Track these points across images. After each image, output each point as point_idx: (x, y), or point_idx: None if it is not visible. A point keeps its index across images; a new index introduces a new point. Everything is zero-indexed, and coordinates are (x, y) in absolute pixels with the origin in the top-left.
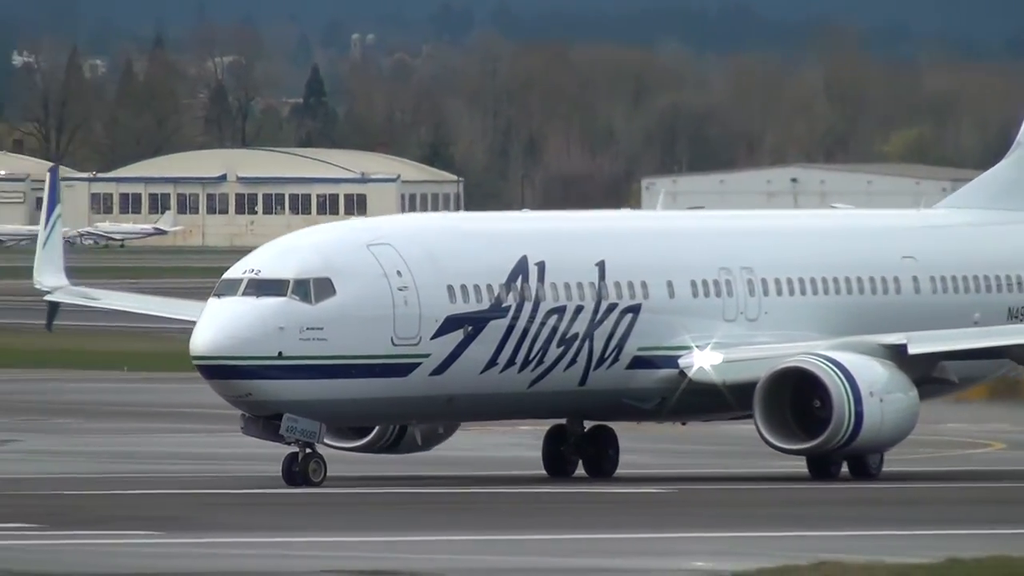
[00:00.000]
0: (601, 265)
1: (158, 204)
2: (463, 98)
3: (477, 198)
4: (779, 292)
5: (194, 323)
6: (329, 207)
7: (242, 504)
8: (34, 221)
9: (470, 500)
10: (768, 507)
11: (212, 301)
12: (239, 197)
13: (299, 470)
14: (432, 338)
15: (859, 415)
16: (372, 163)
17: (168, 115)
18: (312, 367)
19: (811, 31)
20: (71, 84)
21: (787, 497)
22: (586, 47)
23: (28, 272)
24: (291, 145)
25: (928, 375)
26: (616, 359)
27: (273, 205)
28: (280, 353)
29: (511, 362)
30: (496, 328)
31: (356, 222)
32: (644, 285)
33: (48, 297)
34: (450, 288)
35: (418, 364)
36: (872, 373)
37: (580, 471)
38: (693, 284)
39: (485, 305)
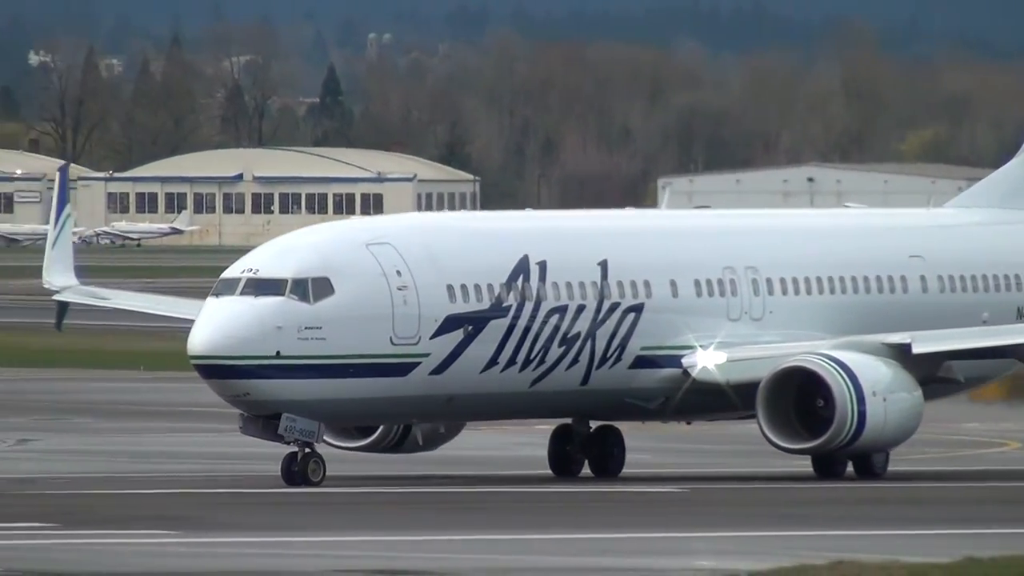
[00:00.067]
0: (604, 264)
1: (174, 204)
2: (479, 97)
3: (494, 197)
4: (784, 291)
5: None
6: (345, 207)
7: (253, 503)
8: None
9: (478, 500)
10: (780, 506)
11: (210, 300)
12: (255, 197)
13: (298, 470)
14: (432, 337)
15: (862, 415)
16: (388, 162)
17: (185, 114)
18: (310, 366)
19: (827, 30)
20: (88, 83)
21: (799, 496)
22: (603, 46)
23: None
24: (307, 145)
25: (933, 374)
26: (619, 359)
27: (290, 205)
28: (278, 353)
29: (512, 362)
30: (497, 328)
31: (356, 221)
32: (647, 284)
33: (57, 297)
34: (450, 287)
35: (417, 364)
36: (875, 372)
37: (586, 471)
38: (697, 283)
39: (485, 304)
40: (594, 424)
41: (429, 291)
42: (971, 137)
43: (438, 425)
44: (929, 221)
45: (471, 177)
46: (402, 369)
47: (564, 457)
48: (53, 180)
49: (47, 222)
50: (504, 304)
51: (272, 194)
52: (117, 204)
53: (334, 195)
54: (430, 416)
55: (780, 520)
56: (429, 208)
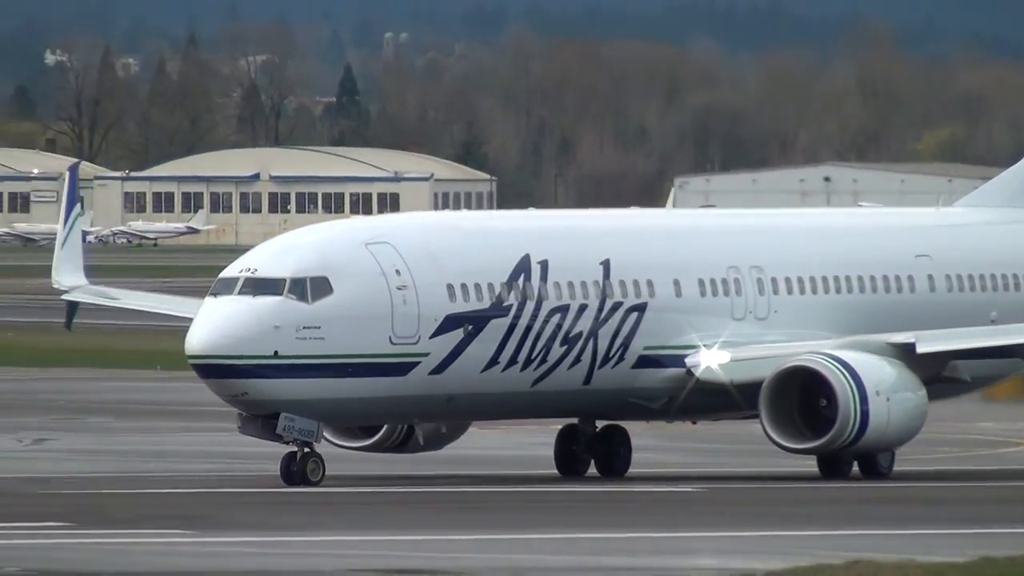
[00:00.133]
0: (606, 264)
1: (191, 203)
2: (496, 97)
3: (510, 197)
4: (789, 291)
5: None
6: (362, 206)
7: (269, 503)
8: None
9: (489, 499)
10: (795, 506)
11: (208, 300)
12: (272, 196)
13: (297, 470)
14: (431, 337)
15: (865, 414)
16: (405, 162)
17: (201, 114)
18: (309, 366)
19: (844, 29)
20: (104, 83)
21: (814, 496)
22: (619, 45)
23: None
24: (324, 144)
25: (938, 374)
26: (621, 358)
27: (306, 204)
28: (276, 352)
29: (513, 361)
30: (497, 327)
31: (356, 221)
32: (650, 284)
33: (66, 296)
34: (450, 287)
35: (417, 363)
36: (879, 372)
37: (592, 470)
38: (701, 283)
39: (486, 304)
40: (600, 424)
41: (429, 290)
42: (988, 136)
43: (439, 425)
44: (937, 220)
45: (488, 177)
46: (401, 369)
47: (570, 457)
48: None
49: None
50: (505, 303)
51: (289, 194)
52: (134, 204)
53: (351, 195)
54: (430, 416)
55: (795, 520)
56: (446, 208)
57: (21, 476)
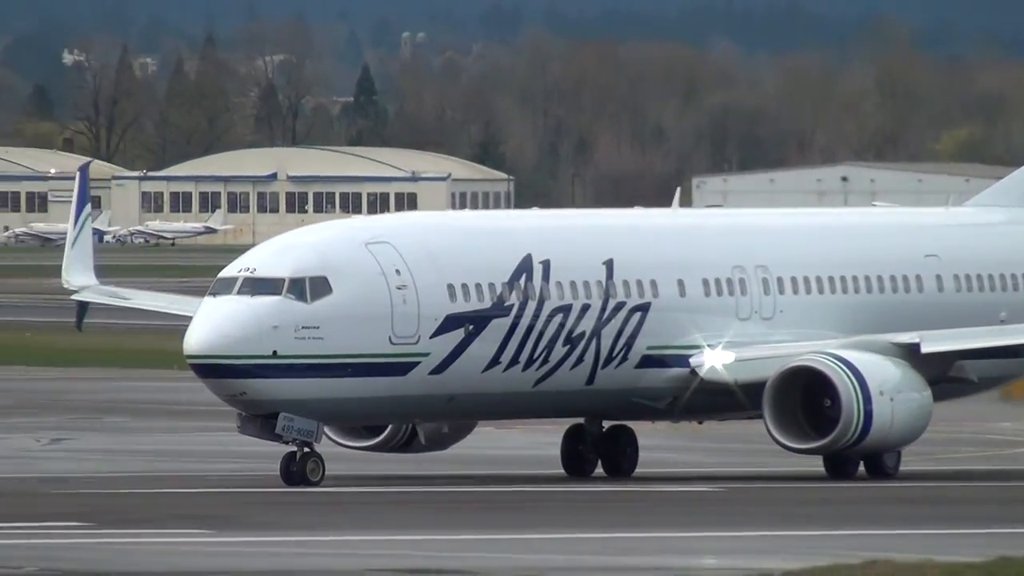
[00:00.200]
0: (609, 263)
1: (208, 203)
2: (513, 97)
3: (527, 197)
4: (795, 291)
5: None
6: (380, 206)
7: (286, 503)
8: None
9: (495, 499)
10: (809, 506)
11: (207, 300)
12: (289, 196)
13: (297, 470)
14: (431, 337)
15: (868, 414)
16: (422, 162)
17: (218, 114)
18: (308, 366)
19: (861, 29)
20: (121, 83)
21: (828, 496)
22: (636, 46)
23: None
24: (341, 144)
25: (944, 374)
26: (625, 358)
27: (324, 204)
28: (275, 352)
29: (514, 361)
30: (498, 327)
31: (356, 220)
32: (654, 284)
33: (76, 296)
34: (450, 287)
35: (417, 363)
36: (883, 372)
37: (599, 470)
38: (705, 283)
39: (487, 304)
40: (607, 424)
41: (429, 290)
42: (1006, 136)
43: (441, 425)
44: (947, 220)
45: (505, 177)
46: (401, 369)
47: (577, 457)
48: (90, 180)
49: None
50: (506, 303)
51: (306, 193)
52: (151, 203)
53: (368, 194)
54: (431, 416)
55: (810, 520)
56: (464, 207)
57: (39, 476)
